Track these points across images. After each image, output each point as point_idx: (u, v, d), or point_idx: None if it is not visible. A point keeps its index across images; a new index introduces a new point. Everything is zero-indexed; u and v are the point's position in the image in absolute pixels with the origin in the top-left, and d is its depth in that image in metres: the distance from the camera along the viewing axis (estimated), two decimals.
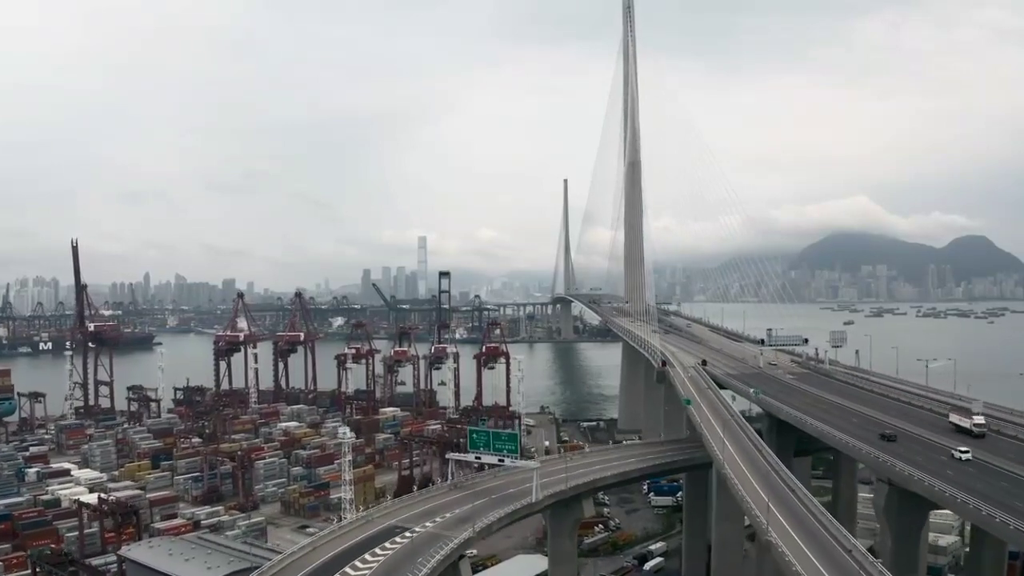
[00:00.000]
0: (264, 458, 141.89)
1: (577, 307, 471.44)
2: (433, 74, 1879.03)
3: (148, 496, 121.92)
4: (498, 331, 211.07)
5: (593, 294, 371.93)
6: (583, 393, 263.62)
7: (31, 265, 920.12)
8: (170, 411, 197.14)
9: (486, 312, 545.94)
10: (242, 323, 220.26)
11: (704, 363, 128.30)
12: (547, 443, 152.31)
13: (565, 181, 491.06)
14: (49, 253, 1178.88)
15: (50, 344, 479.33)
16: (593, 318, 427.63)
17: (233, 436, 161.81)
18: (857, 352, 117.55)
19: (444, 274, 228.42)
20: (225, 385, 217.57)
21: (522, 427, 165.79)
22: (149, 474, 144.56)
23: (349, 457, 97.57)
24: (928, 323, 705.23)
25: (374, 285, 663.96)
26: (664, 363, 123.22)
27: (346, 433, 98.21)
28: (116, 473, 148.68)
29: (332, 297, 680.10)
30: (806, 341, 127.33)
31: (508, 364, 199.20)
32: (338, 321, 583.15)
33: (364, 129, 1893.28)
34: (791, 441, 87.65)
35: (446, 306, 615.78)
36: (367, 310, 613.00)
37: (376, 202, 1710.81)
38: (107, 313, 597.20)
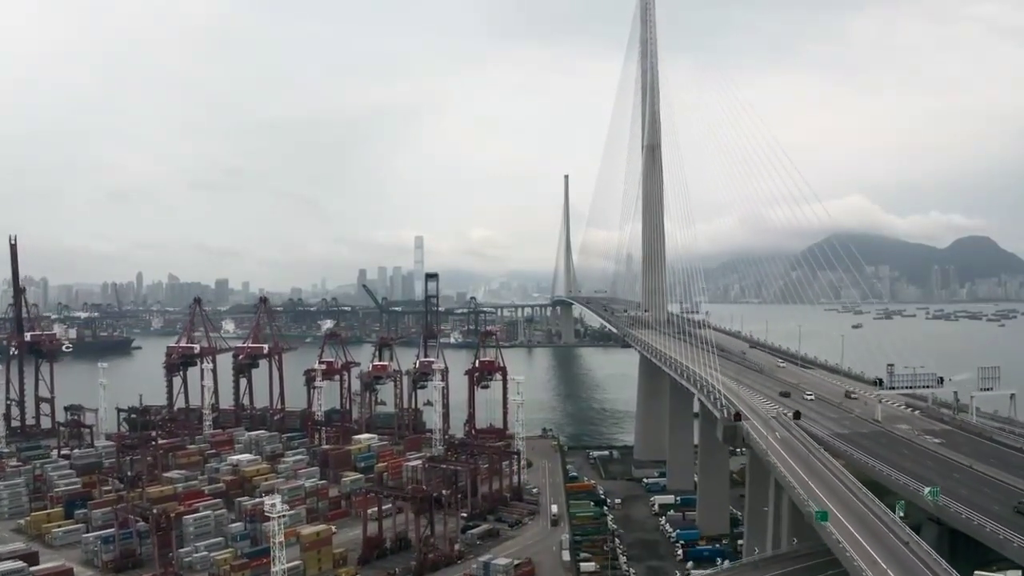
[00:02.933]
0: (198, 509, 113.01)
1: (578, 308, 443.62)
2: (422, 73, 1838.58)
3: (34, 569, 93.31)
4: (493, 336, 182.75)
5: (597, 297, 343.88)
6: (589, 409, 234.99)
7: (21, 264, 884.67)
8: (109, 437, 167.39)
9: (482, 315, 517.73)
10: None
11: (797, 416, 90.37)
12: (555, 508, 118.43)
13: (566, 177, 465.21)
14: (39, 252, 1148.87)
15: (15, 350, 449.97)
16: (594, 320, 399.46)
17: (171, 474, 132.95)
18: (1012, 396, 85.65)
19: (431, 276, 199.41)
20: (182, 404, 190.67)
21: (522, 462, 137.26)
22: (59, 527, 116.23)
23: (280, 538, 69.15)
24: (939, 326, 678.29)
25: (365, 287, 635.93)
26: (738, 416, 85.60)
27: (276, 506, 69.50)
28: (23, 522, 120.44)
29: (322, 299, 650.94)
30: (941, 381, 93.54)
31: (505, 382, 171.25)
32: (327, 324, 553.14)
33: (355, 128, 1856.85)
34: (970, 555, 56.67)
35: (441, 308, 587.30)
36: (359, 312, 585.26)
37: (371, 202, 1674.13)
38: (83, 316, 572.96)
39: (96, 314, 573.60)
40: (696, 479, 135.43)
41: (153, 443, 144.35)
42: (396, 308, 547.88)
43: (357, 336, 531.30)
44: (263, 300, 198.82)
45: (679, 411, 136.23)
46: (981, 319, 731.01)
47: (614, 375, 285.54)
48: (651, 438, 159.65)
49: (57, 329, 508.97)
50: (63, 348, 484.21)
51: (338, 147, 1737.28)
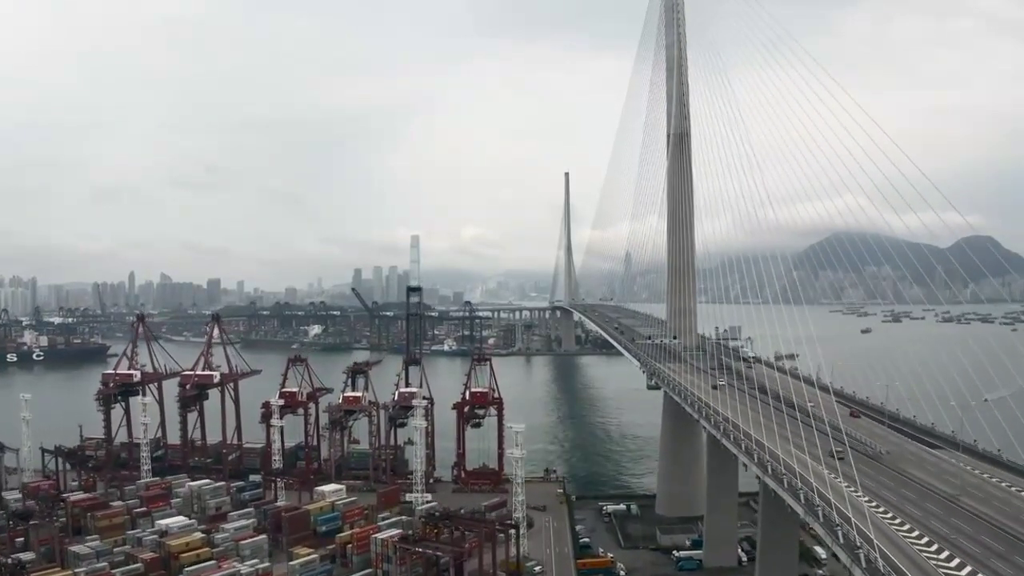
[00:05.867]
0: None
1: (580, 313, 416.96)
2: (410, 71, 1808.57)
3: None
4: (487, 361, 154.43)
5: (603, 305, 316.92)
6: (597, 438, 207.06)
7: (8, 264, 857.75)
8: (25, 489, 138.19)
9: (478, 320, 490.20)
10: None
11: None
12: None
13: (567, 175, 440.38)
14: (29, 251, 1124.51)
15: None
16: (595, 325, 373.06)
17: (80, 548, 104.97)
18: None
19: (414, 290, 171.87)
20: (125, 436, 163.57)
21: (522, 529, 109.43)
22: None
23: None
24: (951, 329, 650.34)
25: (353, 290, 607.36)
26: None
27: None
28: None
29: (310, 302, 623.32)
30: None
31: (500, 416, 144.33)
32: (314, 330, 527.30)
33: (345, 127, 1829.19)
34: None
35: (435, 312, 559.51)
36: (350, 315, 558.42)
37: (363, 201, 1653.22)
38: (57, 321, 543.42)
39: (71, 319, 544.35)
40: (744, 554, 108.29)
41: (61, 504, 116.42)
42: (387, 313, 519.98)
43: (346, 342, 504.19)
44: (215, 317, 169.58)
45: (721, 468, 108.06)
46: (993, 322, 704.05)
47: (622, 391, 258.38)
48: (678, 489, 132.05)
49: (28, 336, 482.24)
50: (34, 356, 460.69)
51: (328, 146, 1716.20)
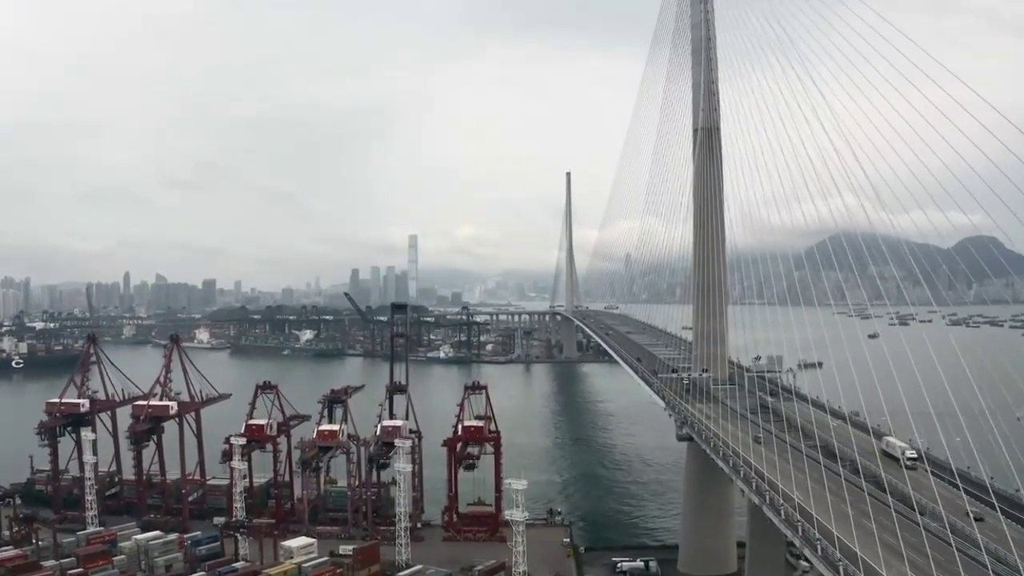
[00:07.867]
0: None
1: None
2: (407, 69, 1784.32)
3: None
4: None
5: (608, 314, 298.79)
6: (606, 466, 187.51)
7: (2, 264, 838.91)
8: None
9: (475, 325, 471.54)
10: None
11: None
12: None
13: (568, 175, 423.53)
14: (22, 251, 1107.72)
15: None
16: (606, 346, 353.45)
17: None
18: None
19: (399, 307, 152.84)
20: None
21: None
22: None
23: None
24: (962, 333, 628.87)
25: (347, 295, 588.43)
26: None
27: None
28: None
29: (301, 306, 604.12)
30: None
31: (498, 454, 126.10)
32: (306, 335, 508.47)
33: (339, 126, 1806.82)
34: None
35: (430, 317, 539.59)
36: (345, 319, 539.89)
37: (357, 200, 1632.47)
38: (38, 326, 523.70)
39: (54, 324, 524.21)
40: None
41: None
42: (381, 318, 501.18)
43: (339, 348, 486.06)
44: (174, 339, 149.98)
45: (766, 537, 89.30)
46: (1003, 325, 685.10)
47: (629, 406, 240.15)
48: (704, 542, 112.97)
49: (7, 343, 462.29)
50: (13, 364, 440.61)
51: (325, 144, 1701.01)
